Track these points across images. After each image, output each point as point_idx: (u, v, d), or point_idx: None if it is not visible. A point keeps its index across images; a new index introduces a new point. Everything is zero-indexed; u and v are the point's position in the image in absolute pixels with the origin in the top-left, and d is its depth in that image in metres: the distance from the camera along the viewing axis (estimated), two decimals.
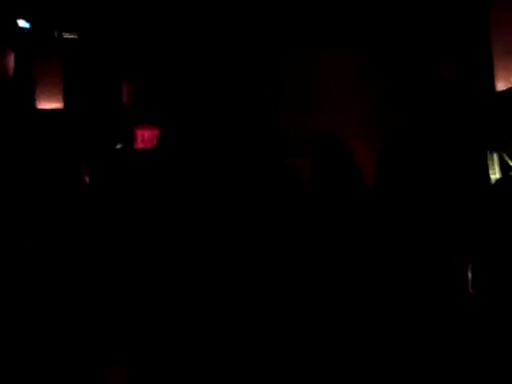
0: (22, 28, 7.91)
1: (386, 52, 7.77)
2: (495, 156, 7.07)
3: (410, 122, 7.72)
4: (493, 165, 7.05)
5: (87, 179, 6.95)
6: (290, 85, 7.82)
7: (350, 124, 7.72)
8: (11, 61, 7.89)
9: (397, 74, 7.87)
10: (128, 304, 1.79)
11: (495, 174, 7.03)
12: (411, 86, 7.82)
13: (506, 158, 6.77)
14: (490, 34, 6.29)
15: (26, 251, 2.39)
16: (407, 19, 7.49)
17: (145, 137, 8.23)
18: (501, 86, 6.31)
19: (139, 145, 8.19)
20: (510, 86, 6.10)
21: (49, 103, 7.98)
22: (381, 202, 2.22)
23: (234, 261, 1.56)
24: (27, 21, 7.92)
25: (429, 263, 2.03)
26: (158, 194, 1.89)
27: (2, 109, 7.51)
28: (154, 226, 1.79)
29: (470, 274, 2.04)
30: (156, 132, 8.08)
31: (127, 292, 1.92)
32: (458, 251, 2.09)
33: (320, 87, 7.90)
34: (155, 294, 1.59)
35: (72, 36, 8.19)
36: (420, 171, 2.16)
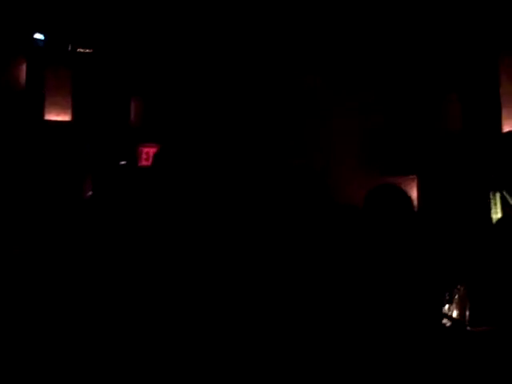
0: (36, 40, 7.99)
1: (393, 91, 7.80)
2: (497, 196, 7.09)
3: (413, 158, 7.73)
4: (495, 204, 7.07)
5: (89, 193, 7.41)
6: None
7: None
8: (23, 71, 7.96)
9: (401, 113, 7.89)
10: (126, 307, 1.82)
11: (497, 214, 7.05)
12: (416, 124, 7.79)
13: (508, 198, 6.79)
14: (499, 75, 6.35)
15: (18, 255, 2.42)
16: (417, 58, 7.55)
17: (149, 154, 8.25)
18: (507, 127, 6.35)
19: (143, 162, 8.19)
20: None
21: (57, 115, 8.04)
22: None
23: (238, 264, 1.59)
24: (42, 33, 8.00)
25: (428, 300, 2.03)
26: (158, 210, 1.90)
27: (11, 118, 7.54)
28: (153, 239, 1.81)
29: (467, 312, 2.03)
30: None
31: (125, 296, 1.94)
32: (457, 289, 2.10)
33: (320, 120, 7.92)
34: (155, 299, 1.61)
35: (85, 50, 8.24)
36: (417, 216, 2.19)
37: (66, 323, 1.93)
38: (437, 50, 7.43)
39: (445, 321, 2.06)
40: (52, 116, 8.02)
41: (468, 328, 2.10)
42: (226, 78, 7.92)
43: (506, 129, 6.62)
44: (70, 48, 8.17)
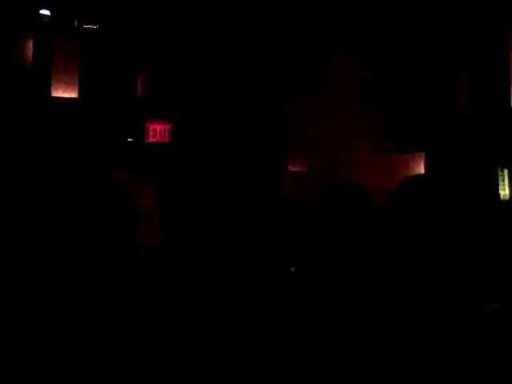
0: (42, 16, 7.95)
1: (401, 69, 7.75)
2: (506, 172, 7.07)
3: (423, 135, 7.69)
4: (503, 180, 7.05)
5: (97, 171, 7.38)
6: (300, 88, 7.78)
7: (359, 135, 7.70)
8: (30, 47, 7.92)
9: (411, 88, 7.86)
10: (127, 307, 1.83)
11: (505, 190, 7.03)
12: (424, 101, 7.73)
13: None
14: (508, 51, 6.30)
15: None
16: (424, 35, 7.48)
17: (156, 131, 8.24)
18: None
19: (150, 139, 8.19)
20: None
21: (64, 92, 8.00)
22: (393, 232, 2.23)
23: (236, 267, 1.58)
24: (48, 9, 7.97)
25: (430, 276, 2.06)
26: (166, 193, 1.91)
27: (18, 95, 7.51)
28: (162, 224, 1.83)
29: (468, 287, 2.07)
30: (168, 126, 8.13)
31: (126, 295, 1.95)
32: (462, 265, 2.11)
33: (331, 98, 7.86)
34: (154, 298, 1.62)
35: (91, 26, 8.20)
36: (435, 211, 2.16)
37: (66, 318, 1.96)
38: (445, 26, 7.35)
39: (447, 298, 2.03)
40: (59, 93, 7.98)
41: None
42: (230, 58, 7.91)
43: None
44: (76, 24, 8.13)
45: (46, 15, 7.98)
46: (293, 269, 2.95)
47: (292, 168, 7.34)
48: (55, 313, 1.95)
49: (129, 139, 8.11)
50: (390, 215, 2.22)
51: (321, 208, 2.47)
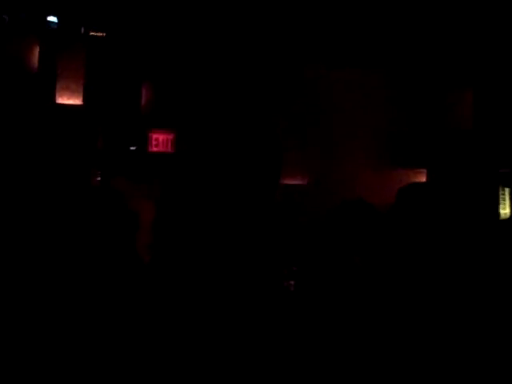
0: (49, 22, 8.00)
1: (404, 85, 7.77)
2: (507, 191, 7.07)
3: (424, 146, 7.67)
4: (504, 199, 7.05)
5: (98, 179, 7.39)
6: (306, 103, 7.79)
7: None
8: (36, 54, 7.94)
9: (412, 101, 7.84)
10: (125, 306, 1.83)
11: (505, 209, 7.03)
12: (427, 117, 7.74)
13: None
14: None
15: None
16: (427, 52, 7.51)
17: (159, 140, 8.25)
18: None
19: (153, 148, 8.21)
20: None
21: (68, 99, 7.98)
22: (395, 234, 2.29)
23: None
24: (55, 16, 8.00)
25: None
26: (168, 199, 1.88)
27: (23, 101, 7.53)
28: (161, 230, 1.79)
29: None
30: (170, 136, 8.16)
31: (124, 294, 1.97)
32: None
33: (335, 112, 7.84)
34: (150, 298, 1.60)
35: (97, 34, 8.25)
36: (436, 213, 2.22)
37: (65, 317, 2.00)
38: (449, 42, 7.37)
39: None
40: (64, 100, 7.95)
41: None
42: (237, 65, 7.90)
43: None
44: (82, 31, 8.15)
45: (53, 22, 8.04)
46: (292, 282, 3.02)
47: (292, 181, 7.34)
48: (56, 314, 1.99)
49: (131, 148, 8.12)
50: (390, 221, 2.27)
51: (330, 224, 2.51)
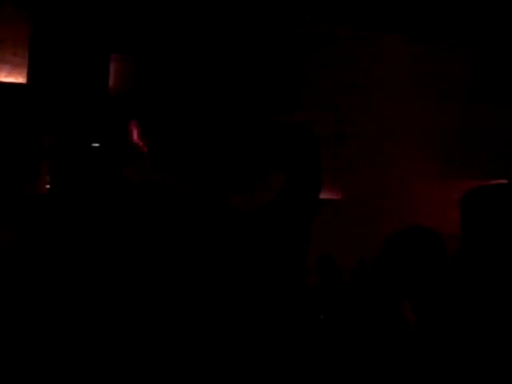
0: None
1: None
2: None
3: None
4: None
5: (47, 185, 6.69)
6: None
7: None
8: None
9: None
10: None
11: None
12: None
13: None
14: None
15: None
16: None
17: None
18: None
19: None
20: None
21: (8, 76, 7.22)
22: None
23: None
24: None
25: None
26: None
27: None
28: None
29: None
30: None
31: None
32: None
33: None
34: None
35: None
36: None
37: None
38: None
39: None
40: (1, 76, 7.18)
41: None
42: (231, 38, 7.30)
43: None
44: None
45: None
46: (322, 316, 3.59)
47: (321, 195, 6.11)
48: (58, 314, 1.73)
49: (94, 144, 7.15)
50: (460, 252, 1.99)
51: (390, 256, 2.39)
